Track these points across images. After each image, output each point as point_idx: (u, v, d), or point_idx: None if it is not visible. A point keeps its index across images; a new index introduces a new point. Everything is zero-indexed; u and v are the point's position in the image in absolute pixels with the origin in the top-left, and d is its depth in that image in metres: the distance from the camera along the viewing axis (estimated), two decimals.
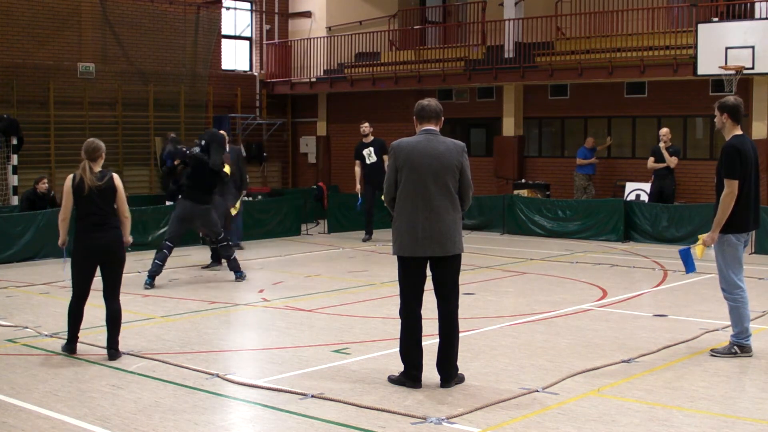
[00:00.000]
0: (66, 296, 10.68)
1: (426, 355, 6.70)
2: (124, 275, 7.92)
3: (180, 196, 12.16)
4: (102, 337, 8.39)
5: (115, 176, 7.82)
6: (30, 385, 6.81)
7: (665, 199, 16.70)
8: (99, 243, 7.64)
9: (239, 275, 12.01)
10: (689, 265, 8.00)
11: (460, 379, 6.77)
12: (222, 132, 12.92)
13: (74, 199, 7.72)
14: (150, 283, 11.43)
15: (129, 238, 7.91)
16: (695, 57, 17.36)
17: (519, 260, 14.02)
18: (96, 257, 7.69)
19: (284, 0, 25.50)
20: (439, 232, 6.50)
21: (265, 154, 24.92)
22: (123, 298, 10.46)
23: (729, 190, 7.51)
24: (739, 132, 7.65)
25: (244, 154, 19.55)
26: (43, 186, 15.97)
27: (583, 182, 19.58)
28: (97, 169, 7.77)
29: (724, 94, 17.90)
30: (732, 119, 7.62)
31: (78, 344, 7.90)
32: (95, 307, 9.99)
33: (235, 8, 24.72)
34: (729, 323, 8.82)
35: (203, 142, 12.03)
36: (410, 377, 6.66)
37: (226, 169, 12.26)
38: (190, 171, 11.93)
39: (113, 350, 7.67)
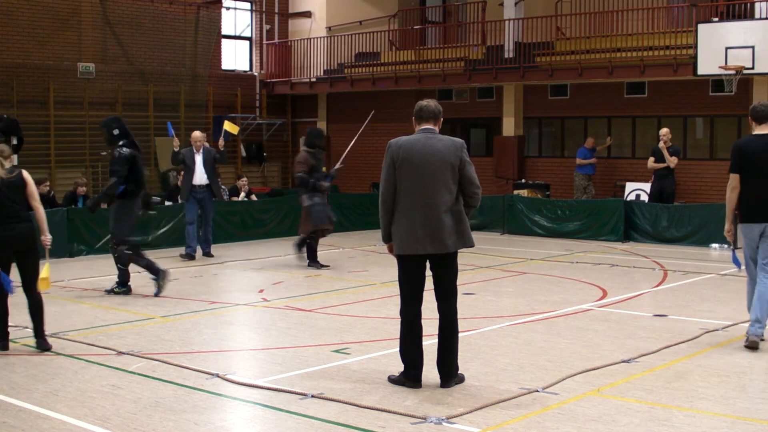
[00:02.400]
0: (67, 296, 10.70)
1: (426, 355, 6.70)
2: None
3: (121, 199, 10.81)
4: (103, 336, 8.40)
5: (24, 172, 8.03)
6: (30, 385, 6.81)
7: (665, 199, 16.70)
8: (12, 234, 7.87)
9: (121, 287, 10.91)
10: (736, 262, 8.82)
11: (460, 379, 6.76)
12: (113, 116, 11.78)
13: None
14: (123, 289, 10.85)
15: (47, 235, 8.08)
16: (695, 57, 17.36)
17: (519, 260, 14.02)
18: (10, 248, 7.92)
19: (284, 0, 25.51)
20: (438, 229, 6.50)
21: (265, 154, 24.93)
22: (124, 298, 10.55)
23: (729, 182, 8.16)
24: (757, 132, 8.24)
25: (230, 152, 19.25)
26: (45, 188, 15.96)
27: (583, 182, 19.59)
28: (8, 166, 7.99)
29: (724, 94, 17.96)
30: (753, 120, 8.33)
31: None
32: (95, 307, 10.02)
33: (235, 8, 24.73)
34: (729, 323, 8.92)
35: (116, 132, 11.01)
36: (410, 377, 6.66)
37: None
38: (127, 172, 10.74)
39: (41, 339, 7.95)
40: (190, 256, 14.08)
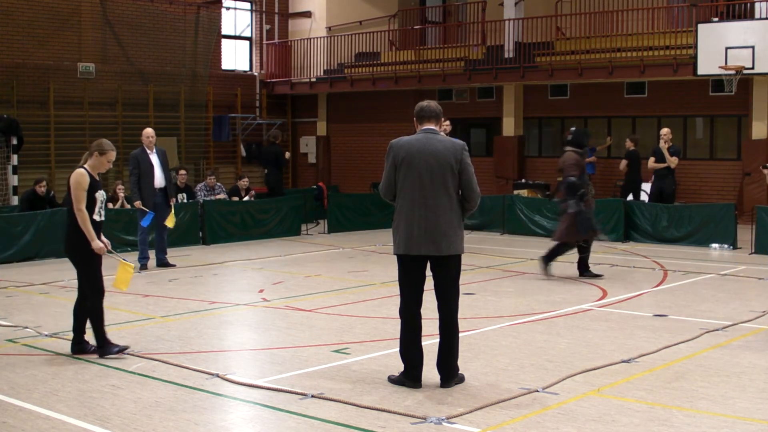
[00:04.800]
0: (66, 296, 10.70)
1: (426, 355, 6.70)
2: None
3: None
4: (108, 336, 8.38)
5: (74, 173, 7.71)
6: (30, 385, 6.81)
7: (665, 199, 16.68)
8: None
9: None
10: None
11: (460, 379, 6.76)
12: None
13: None
14: None
15: (94, 244, 7.59)
16: (695, 57, 17.36)
17: (519, 260, 14.01)
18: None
19: (284, 0, 25.51)
20: (435, 231, 6.49)
21: None
22: (124, 298, 10.53)
23: None
24: None
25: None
26: (41, 188, 15.95)
27: None
28: (86, 164, 7.81)
29: (724, 94, 17.95)
30: None
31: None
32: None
33: (235, 8, 24.73)
34: (729, 323, 8.93)
35: None
36: (410, 377, 6.66)
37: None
38: None
39: (96, 347, 7.73)
40: (145, 267, 13.02)
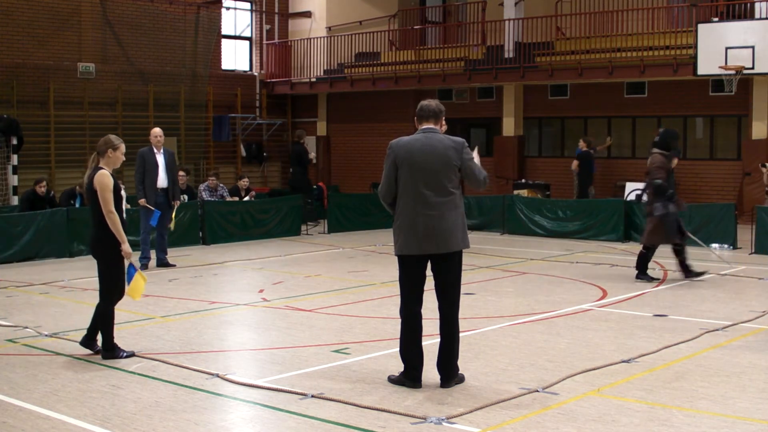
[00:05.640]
0: (66, 296, 10.72)
1: (426, 355, 6.69)
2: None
3: None
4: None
5: (97, 175, 7.54)
6: (30, 385, 6.81)
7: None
8: (89, 240, 7.88)
9: None
10: None
11: (460, 379, 6.76)
12: None
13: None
14: None
15: (125, 247, 7.55)
16: (695, 57, 17.36)
17: (519, 260, 14.02)
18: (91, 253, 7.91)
19: (284, 0, 25.52)
20: (440, 230, 6.49)
21: (265, 154, 24.94)
22: (124, 298, 10.51)
23: None
24: None
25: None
26: (41, 189, 15.95)
27: None
28: (101, 164, 7.65)
29: (724, 94, 17.96)
30: None
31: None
32: (93, 307, 10.00)
33: (235, 8, 24.73)
34: (729, 323, 8.93)
35: None
36: (410, 377, 6.66)
37: None
38: None
39: (102, 349, 7.65)
40: (145, 267, 12.98)
